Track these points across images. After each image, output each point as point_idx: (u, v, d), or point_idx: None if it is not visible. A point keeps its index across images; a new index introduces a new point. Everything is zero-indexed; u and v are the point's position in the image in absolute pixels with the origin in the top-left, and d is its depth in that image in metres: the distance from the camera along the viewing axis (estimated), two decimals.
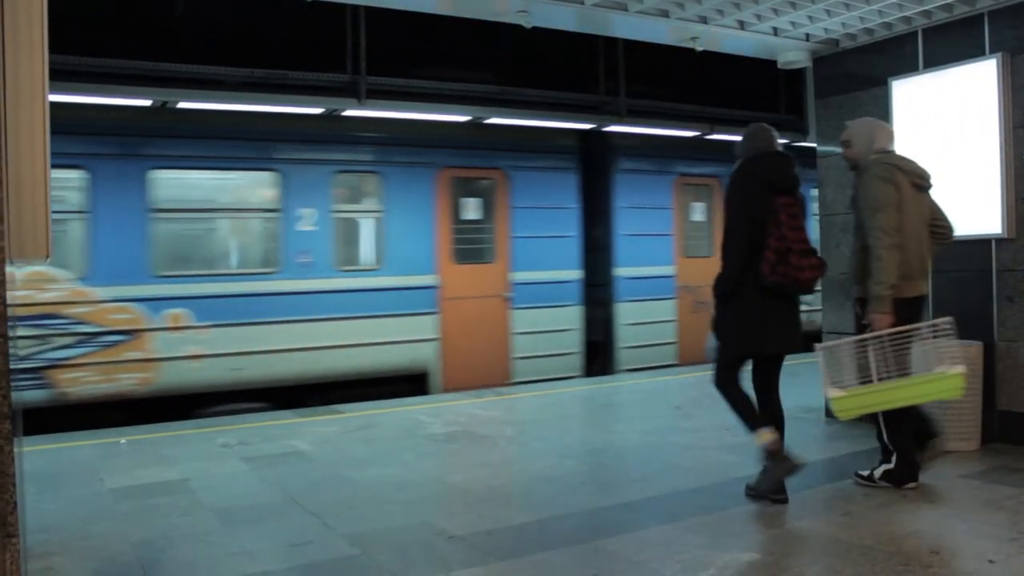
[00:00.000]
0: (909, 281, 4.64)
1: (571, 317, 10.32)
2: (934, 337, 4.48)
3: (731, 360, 4.64)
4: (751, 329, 4.51)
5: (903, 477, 4.71)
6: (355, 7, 8.40)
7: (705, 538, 4.01)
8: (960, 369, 4.42)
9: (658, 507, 4.63)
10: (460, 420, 7.20)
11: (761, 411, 4.59)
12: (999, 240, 5.72)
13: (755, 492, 4.63)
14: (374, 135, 9.19)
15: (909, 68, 6.28)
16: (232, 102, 8.24)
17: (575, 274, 10.38)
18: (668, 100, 11.23)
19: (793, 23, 6.32)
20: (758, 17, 6.21)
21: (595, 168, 10.79)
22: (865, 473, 4.87)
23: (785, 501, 4.53)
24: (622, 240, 10.77)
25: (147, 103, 7.99)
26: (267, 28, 9.37)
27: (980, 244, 5.83)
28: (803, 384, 8.52)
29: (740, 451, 5.84)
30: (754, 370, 4.73)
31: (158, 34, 8.97)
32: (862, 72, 6.66)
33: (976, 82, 5.78)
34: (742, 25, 6.36)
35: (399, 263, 9.18)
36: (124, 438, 6.73)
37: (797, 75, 10.41)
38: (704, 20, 6.25)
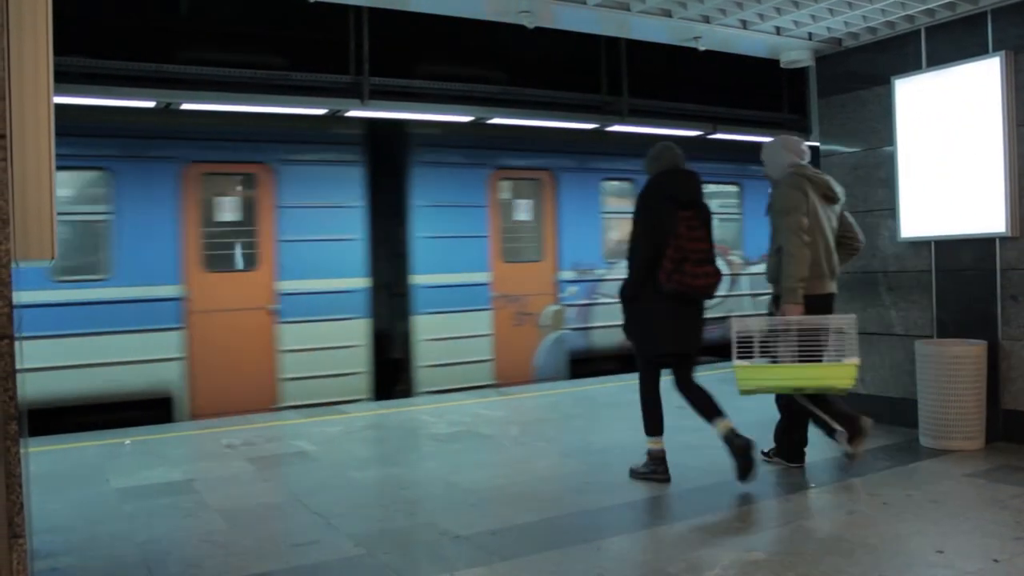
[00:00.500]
0: (816, 280, 5.06)
1: (355, 332, 8.94)
2: (835, 335, 4.87)
3: (645, 360, 5.08)
4: (651, 331, 4.96)
5: (854, 427, 5.00)
6: (358, 8, 8.41)
7: (710, 537, 4.02)
8: (854, 360, 4.80)
9: (662, 506, 4.63)
10: (464, 420, 7.20)
11: (695, 404, 4.99)
12: (1003, 239, 5.72)
13: (636, 474, 5.16)
14: (100, 125, 7.95)
15: (912, 67, 6.28)
16: (235, 103, 8.23)
17: (360, 282, 9.02)
18: (671, 100, 11.22)
19: (796, 22, 6.32)
20: (760, 16, 6.20)
21: (388, 161, 9.51)
22: (848, 451, 5.08)
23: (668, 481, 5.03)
24: (421, 243, 9.41)
25: (150, 104, 8.00)
26: (271, 29, 9.39)
27: (984, 243, 5.83)
28: None
29: None
30: (672, 369, 5.08)
31: (161, 35, 9.00)
32: (865, 71, 6.66)
33: (979, 80, 5.78)
34: (744, 24, 6.35)
35: (133, 272, 7.96)
36: (128, 439, 6.74)
37: (800, 74, 10.40)
38: (707, 20, 6.24)
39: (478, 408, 7.81)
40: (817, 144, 7.24)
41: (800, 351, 4.84)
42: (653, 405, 5.07)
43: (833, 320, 4.91)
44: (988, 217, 5.75)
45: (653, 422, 5.07)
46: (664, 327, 4.91)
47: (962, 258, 5.99)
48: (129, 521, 4.54)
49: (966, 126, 5.87)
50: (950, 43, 6.04)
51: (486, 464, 5.73)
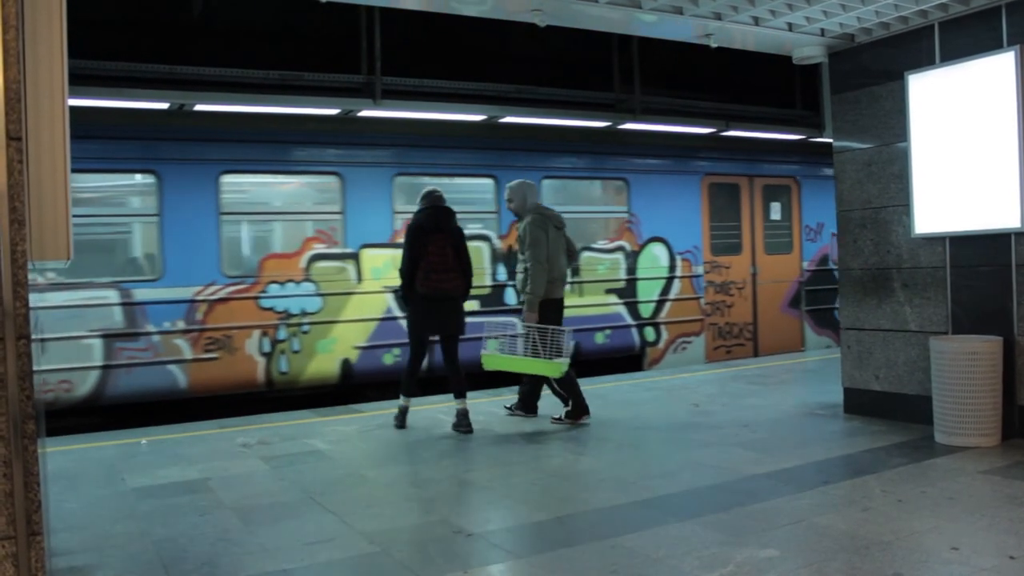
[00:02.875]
0: (553, 287, 6.82)
1: None
2: (551, 334, 6.59)
3: (413, 342, 6.87)
4: (419, 321, 6.80)
5: (577, 413, 6.87)
6: (370, 8, 8.43)
7: (723, 534, 4.01)
8: (560, 360, 6.54)
9: (677, 504, 4.63)
10: (478, 419, 7.20)
11: (451, 378, 6.86)
12: (1018, 234, 5.68)
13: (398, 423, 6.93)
14: None
15: (926, 62, 6.24)
16: (249, 104, 8.27)
17: None
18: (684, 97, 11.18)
19: (808, 18, 6.29)
20: (772, 13, 6.18)
21: None
22: (557, 416, 6.93)
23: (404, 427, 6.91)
24: None
25: (164, 106, 8.05)
26: (284, 30, 9.43)
27: (999, 238, 5.79)
28: (824, 382, 8.51)
29: (758, 448, 5.84)
30: (441, 347, 6.92)
31: (176, 37, 9.05)
32: (878, 67, 6.63)
33: (994, 75, 5.74)
34: (757, 21, 6.33)
35: None
36: (145, 438, 6.79)
37: (813, 70, 10.35)
38: (719, 16, 6.23)
39: (492, 407, 7.82)
40: (830, 140, 7.22)
41: (535, 346, 6.55)
42: (414, 374, 6.90)
43: (551, 327, 6.57)
44: (1003, 212, 5.71)
45: (411, 387, 6.93)
46: (425, 317, 6.73)
47: (977, 254, 5.96)
48: (145, 520, 4.57)
49: (980, 121, 5.84)
50: (964, 38, 6.00)
51: (500, 462, 5.74)
